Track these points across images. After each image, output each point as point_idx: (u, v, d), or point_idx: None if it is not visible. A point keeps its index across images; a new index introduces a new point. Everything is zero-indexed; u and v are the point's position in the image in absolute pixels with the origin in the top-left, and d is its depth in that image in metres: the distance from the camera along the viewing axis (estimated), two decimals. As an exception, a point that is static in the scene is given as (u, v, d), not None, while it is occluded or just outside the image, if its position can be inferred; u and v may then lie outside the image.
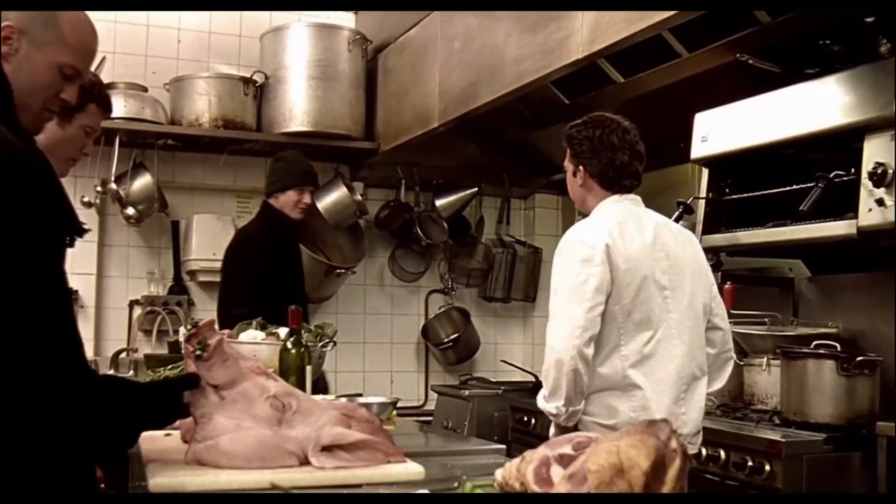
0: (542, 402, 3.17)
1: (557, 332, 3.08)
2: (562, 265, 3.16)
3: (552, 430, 3.24)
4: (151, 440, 2.63)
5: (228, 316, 4.49)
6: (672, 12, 3.33)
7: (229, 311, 4.59)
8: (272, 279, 4.69)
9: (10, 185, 1.84)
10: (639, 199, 3.37)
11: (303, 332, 3.53)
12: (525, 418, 5.04)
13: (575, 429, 3.11)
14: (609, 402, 3.13)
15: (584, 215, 3.42)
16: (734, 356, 3.51)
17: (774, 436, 3.41)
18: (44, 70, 2.17)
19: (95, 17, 6.05)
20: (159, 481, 2.11)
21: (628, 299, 3.12)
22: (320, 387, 4.74)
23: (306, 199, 4.90)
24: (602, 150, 3.28)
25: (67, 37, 2.24)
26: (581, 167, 3.33)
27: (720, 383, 3.44)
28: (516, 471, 1.91)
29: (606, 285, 3.08)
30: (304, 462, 2.22)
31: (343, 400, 3.04)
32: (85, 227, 2.20)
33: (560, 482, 1.75)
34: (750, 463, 3.40)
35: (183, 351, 2.46)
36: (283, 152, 5.21)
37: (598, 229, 3.16)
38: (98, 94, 3.16)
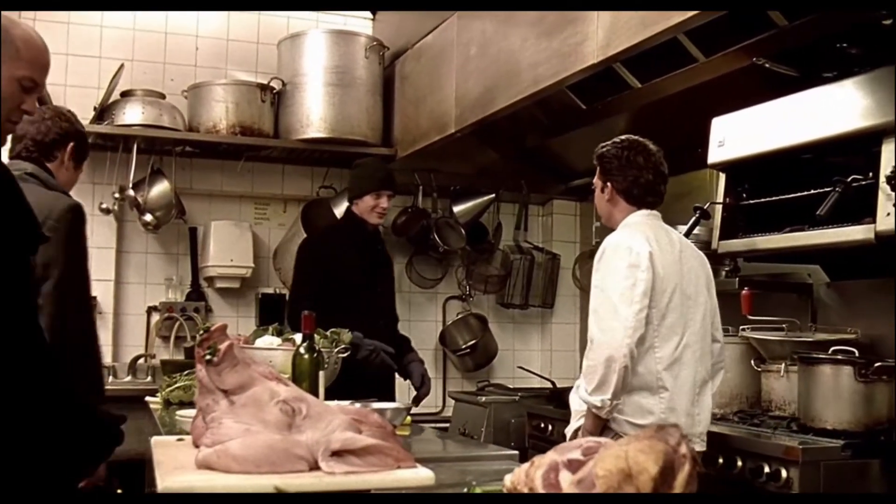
0: (586, 395, 3.36)
1: (610, 331, 3.32)
2: (609, 269, 3.40)
3: (579, 423, 3.47)
4: (163, 445, 2.63)
5: (293, 311, 4.59)
6: (687, 15, 3.31)
7: (294, 306, 4.69)
8: (335, 280, 4.73)
9: None
10: (660, 215, 3.63)
11: (317, 337, 3.53)
12: (542, 424, 5.02)
13: (605, 423, 3.40)
14: (641, 402, 3.40)
15: (609, 228, 3.67)
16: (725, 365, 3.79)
17: (791, 442, 3.38)
18: (5, 84, 2.32)
19: (114, 23, 6.11)
20: (168, 485, 2.11)
21: (663, 304, 3.43)
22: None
23: (383, 203, 4.85)
24: (629, 169, 3.58)
25: (22, 52, 2.38)
26: (609, 183, 3.63)
27: (713, 390, 3.69)
28: (525, 476, 1.89)
29: (650, 290, 3.37)
30: (314, 467, 2.21)
31: (357, 405, 3.03)
32: (47, 234, 2.34)
33: (568, 487, 1.73)
34: (766, 469, 3.38)
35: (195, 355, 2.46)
36: (361, 159, 5.21)
37: (639, 237, 3.44)
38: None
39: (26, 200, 2.18)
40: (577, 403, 3.51)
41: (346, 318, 4.41)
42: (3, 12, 2.33)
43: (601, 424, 3.39)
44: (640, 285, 3.34)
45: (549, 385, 5.81)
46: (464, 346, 6.48)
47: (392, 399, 4.61)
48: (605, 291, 3.37)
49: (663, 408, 3.40)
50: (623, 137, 3.65)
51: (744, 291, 4.09)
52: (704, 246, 4.41)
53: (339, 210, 5.98)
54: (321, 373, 3.20)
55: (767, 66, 3.59)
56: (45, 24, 5.82)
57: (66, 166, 3.63)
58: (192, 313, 5.96)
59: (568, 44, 4.03)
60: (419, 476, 2.25)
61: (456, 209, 6.43)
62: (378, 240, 5.09)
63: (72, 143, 3.63)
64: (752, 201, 3.89)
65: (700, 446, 3.46)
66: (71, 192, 3.58)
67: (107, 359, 5.77)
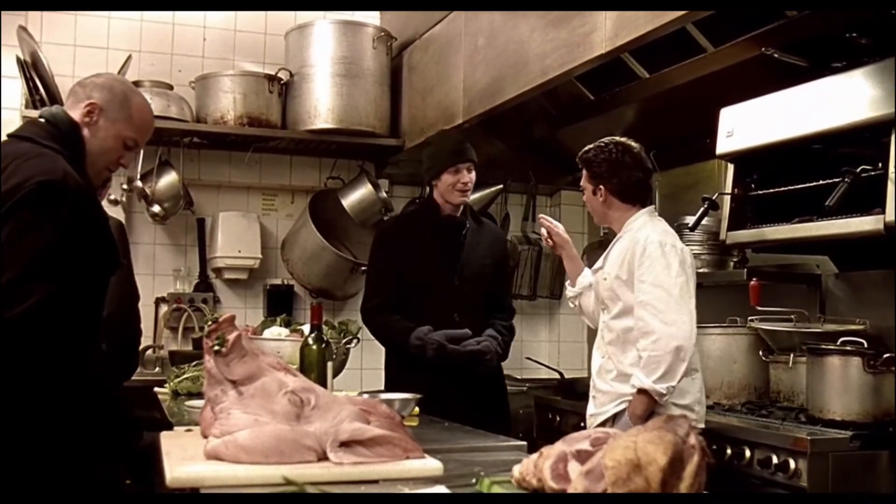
0: (649, 383, 3.46)
1: (675, 323, 3.49)
2: (662, 266, 3.55)
3: (619, 408, 3.63)
4: (171, 436, 2.64)
5: (363, 309, 4.52)
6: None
7: (364, 304, 4.54)
8: (402, 273, 4.44)
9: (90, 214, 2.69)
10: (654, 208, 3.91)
11: (325, 328, 3.53)
12: (550, 415, 5.02)
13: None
14: (680, 385, 3.54)
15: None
16: None
17: (800, 433, 3.37)
18: (112, 140, 2.92)
19: (121, 15, 6.11)
20: (177, 475, 2.11)
21: (695, 298, 3.63)
22: None
23: (464, 178, 4.41)
24: (619, 170, 3.74)
25: (135, 117, 2.96)
26: (602, 186, 3.78)
27: None
28: (533, 467, 1.89)
29: (695, 284, 3.65)
30: (323, 457, 2.22)
31: (365, 396, 3.03)
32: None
33: (577, 478, 1.74)
34: (775, 460, 3.38)
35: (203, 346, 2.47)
36: (431, 136, 4.99)
37: (674, 236, 3.70)
38: None
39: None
40: (620, 387, 3.63)
41: (415, 313, 4.34)
42: (125, 81, 3.15)
43: (652, 409, 3.52)
44: (691, 281, 3.59)
45: (557, 376, 5.80)
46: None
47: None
48: (662, 288, 3.52)
49: (698, 387, 3.66)
50: (606, 140, 3.79)
51: (752, 282, 4.08)
52: (713, 236, 4.41)
53: (346, 200, 5.98)
54: (329, 363, 3.21)
55: (776, 56, 3.57)
56: (53, 16, 5.84)
57: None
58: (200, 304, 5.96)
59: (576, 34, 4.02)
60: (427, 466, 2.25)
61: (464, 200, 6.42)
62: (459, 224, 4.55)
63: None
64: (760, 192, 3.87)
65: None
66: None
67: (115, 349, 5.79)
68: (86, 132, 2.89)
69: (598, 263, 3.84)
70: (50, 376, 2.47)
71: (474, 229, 4.59)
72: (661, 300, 3.51)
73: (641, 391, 3.48)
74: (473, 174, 4.47)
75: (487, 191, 6.47)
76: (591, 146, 3.81)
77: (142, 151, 5.58)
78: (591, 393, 3.83)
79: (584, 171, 3.83)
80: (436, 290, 4.44)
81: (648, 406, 3.50)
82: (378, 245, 4.63)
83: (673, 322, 3.48)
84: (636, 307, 3.57)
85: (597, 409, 3.75)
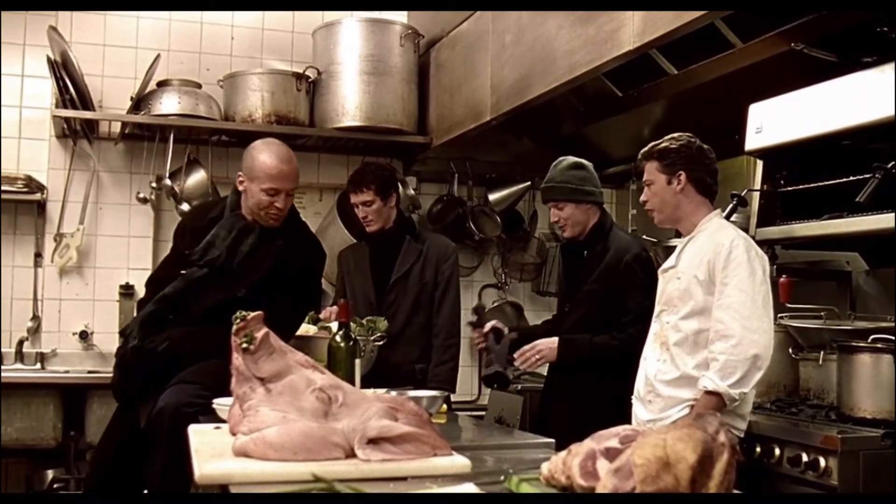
0: (725, 386, 3.38)
1: (758, 331, 3.41)
2: (749, 272, 3.46)
3: (681, 413, 3.51)
4: (201, 433, 2.65)
5: None
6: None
7: None
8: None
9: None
10: None
11: (353, 325, 3.54)
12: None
13: None
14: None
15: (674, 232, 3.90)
16: None
17: (830, 431, 3.34)
18: (255, 195, 3.87)
19: (150, 14, 6.11)
20: (206, 472, 2.12)
21: None
22: None
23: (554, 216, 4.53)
24: (702, 158, 3.66)
25: (257, 171, 3.85)
26: (682, 173, 3.64)
27: None
28: (562, 464, 1.89)
29: None
30: (351, 454, 2.22)
31: (393, 393, 3.04)
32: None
33: (606, 476, 1.73)
34: (805, 459, 3.35)
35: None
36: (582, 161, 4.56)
37: (755, 243, 3.63)
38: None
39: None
40: (681, 392, 3.55)
41: None
42: (260, 142, 3.98)
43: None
44: (770, 291, 3.50)
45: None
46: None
47: None
48: (746, 293, 3.43)
49: (753, 397, 3.59)
50: (679, 134, 3.69)
51: (782, 279, 4.05)
52: (742, 233, 4.38)
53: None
54: (357, 361, 3.21)
55: (805, 51, 3.54)
56: (82, 16, 5.87)
57: None
58: (228, 302, 5.97)
59: (604, 30, 4.00)
60: (455, 464, 2.25)
61: (491, 197, 6.42)
62: (577, 248, 4.56)
63: None
64: (790, 188, 3.85)
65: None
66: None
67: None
68: (243, 196, 3.92)
69: (669, 262, 3.73)
70: None
71: (597, 253, 4.43)
72: (744, 305, 3.42)
73: (711, 393, 3.38)
74: None
75: (515, 188, 6.47)
76: (660, 140, 3.68)
77: (170, 149, 5.65)
78: (645, 397, 3.69)
79: (656, 163, 3.67)
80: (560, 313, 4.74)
81: (716, 409, 3.36)
82: None
83: (755, 329, 3.39)
84: (716, 309, 3.47)
85: (656, 415, 3.60)
